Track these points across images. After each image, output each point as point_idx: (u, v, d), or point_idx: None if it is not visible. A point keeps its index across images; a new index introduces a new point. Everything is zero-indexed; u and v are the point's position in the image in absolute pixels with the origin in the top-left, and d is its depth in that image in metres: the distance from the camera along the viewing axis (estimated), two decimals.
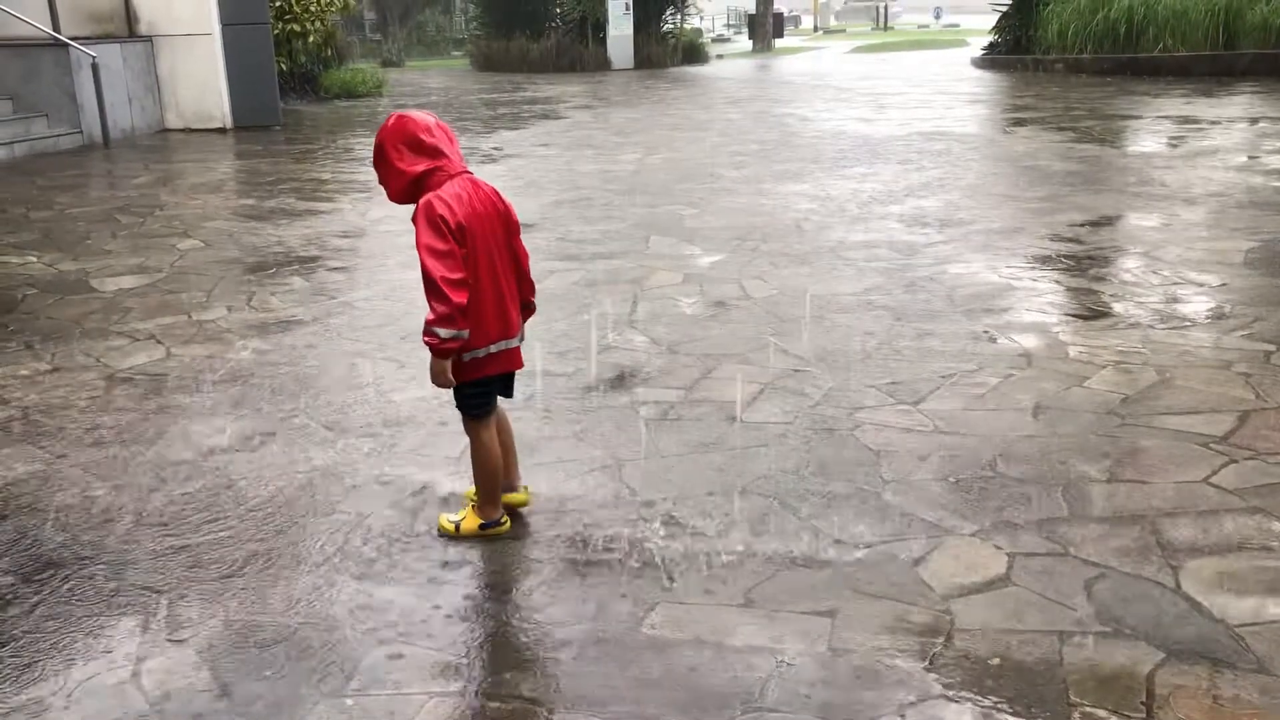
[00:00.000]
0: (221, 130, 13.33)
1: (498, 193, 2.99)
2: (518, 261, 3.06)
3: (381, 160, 2.89)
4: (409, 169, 2.84)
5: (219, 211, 8.26)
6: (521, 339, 3.08)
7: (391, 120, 2.88)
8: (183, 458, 3.67)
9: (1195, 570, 2.80)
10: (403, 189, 2.88)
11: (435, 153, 2.85)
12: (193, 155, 11.51)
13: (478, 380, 2.98)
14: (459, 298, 2.77)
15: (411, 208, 2.91)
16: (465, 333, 2.82)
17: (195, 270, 6.30)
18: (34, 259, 6.59)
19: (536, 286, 3.20)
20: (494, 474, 3.06)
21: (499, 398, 3.12)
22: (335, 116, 15.52)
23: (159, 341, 4.93)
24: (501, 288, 2.95)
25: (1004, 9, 22.18)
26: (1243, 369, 4.23)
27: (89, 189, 9.33)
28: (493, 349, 2.95)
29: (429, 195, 2.82)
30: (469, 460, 3.14)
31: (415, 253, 2.86)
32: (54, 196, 8.78)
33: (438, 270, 2.76)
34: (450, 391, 3.01)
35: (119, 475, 3.54)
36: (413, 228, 2.88)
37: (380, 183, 2.94)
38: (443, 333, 2.79)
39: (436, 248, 2.77)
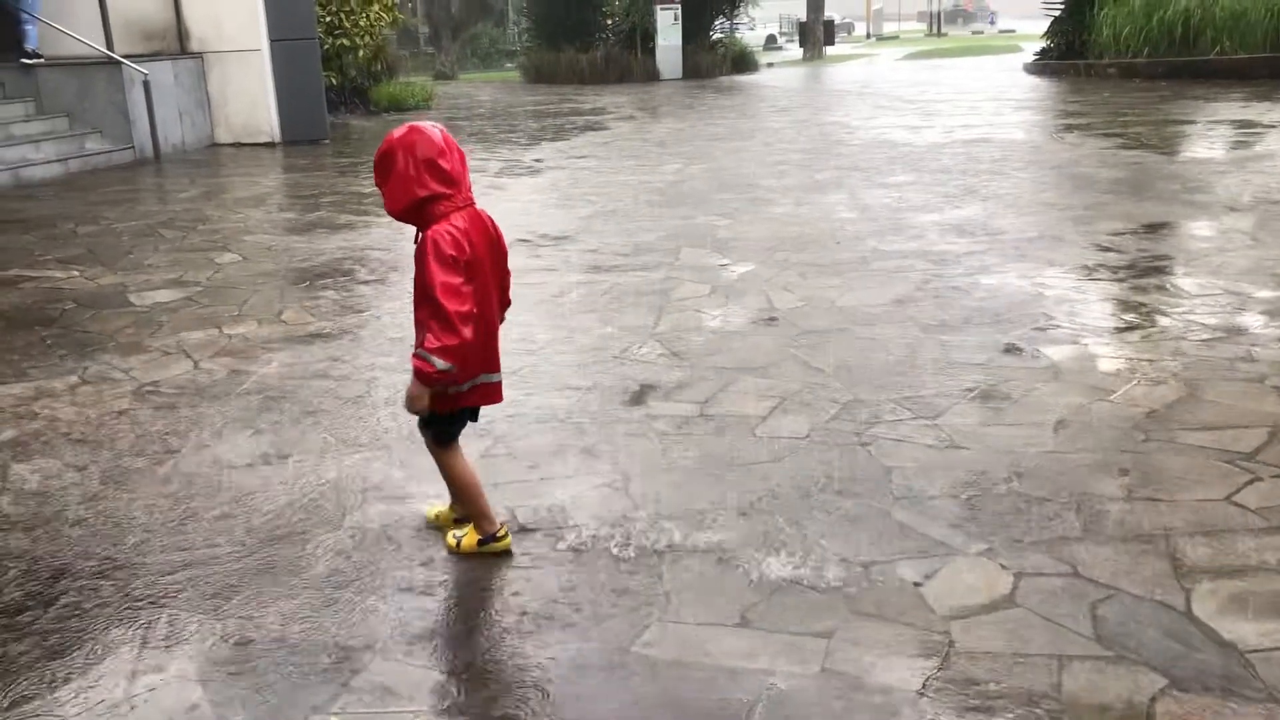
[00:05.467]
0: (270, 145, 13.55)
1: (494, 222, 3.00)
2: (504, 291, 3.08)
3: (389, 172, 2.81)
4: (419, 190, 2.79)
5: (260, 225, 8.39)
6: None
7: (405, 133, 2.81)
8: (199, 470, 3.72)
9: (1208, 593, 2.71)
10: (407, 208, 2.84)
11: (450, 180, 2.81)
12: (239, 170, 11.71)
13: (452, 412, 3.01)
14: (469, 333, 2.79)
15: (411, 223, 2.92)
16: (455, 368, 2.82)
17: (231, 284, 6.39)
18: (77, 273, 6.74)
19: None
20: (474, 492, 3.06)
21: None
22: (382, 130, 15.66)
23: (188, 355, 5.01)
24: (490, 323, 2.98)
25: (1056, 13, 21.84)
26: (1276, 383, 4.10)
27: (136, 203, 9.53)
28: (474, 383, 2.98)
29: (437, 231, 2.78)
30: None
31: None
32: (102, 211, 8.97)
33: (452, 304, 2.75)
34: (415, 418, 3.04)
35: (136, 487, 3.59)
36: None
37: (378, 185, 2.88)
38: (439, 363, 2.78)
39: (450, 283, 2.76)
